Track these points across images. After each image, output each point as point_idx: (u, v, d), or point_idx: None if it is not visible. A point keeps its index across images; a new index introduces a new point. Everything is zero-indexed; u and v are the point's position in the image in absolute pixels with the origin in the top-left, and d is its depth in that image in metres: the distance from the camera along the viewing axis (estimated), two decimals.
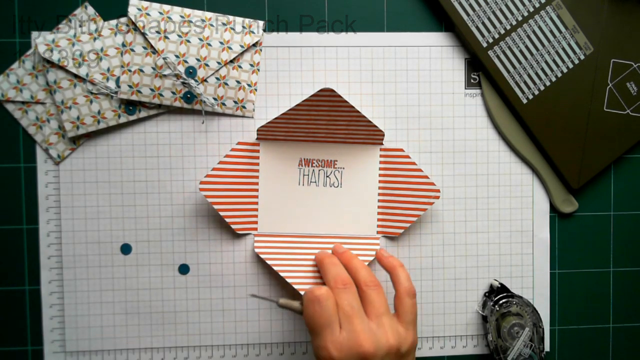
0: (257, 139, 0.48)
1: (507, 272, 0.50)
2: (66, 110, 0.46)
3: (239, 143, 0.47)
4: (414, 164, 0.48)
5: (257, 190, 0.48)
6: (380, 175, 0.49)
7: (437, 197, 0.47)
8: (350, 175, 0.49)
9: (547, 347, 0.51)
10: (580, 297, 0.51)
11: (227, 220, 0.47)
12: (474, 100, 0.50)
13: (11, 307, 0.48)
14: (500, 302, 0.47)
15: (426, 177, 0.47)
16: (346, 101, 0.44)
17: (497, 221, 0.50)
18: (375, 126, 0.47)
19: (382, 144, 0.49)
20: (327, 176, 0.48)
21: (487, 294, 0.50)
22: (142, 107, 0.47)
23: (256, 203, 0.48)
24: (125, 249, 0.48)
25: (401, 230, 0.48)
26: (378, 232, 0.49)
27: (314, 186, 0.48)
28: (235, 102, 0.47)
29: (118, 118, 0.47)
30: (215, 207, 0.46)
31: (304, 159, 0.48)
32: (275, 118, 0.46)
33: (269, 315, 0.49)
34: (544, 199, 0.50)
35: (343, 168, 0.48)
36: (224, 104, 0.47)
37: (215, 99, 0.47)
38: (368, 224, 0.49)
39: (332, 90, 0.44)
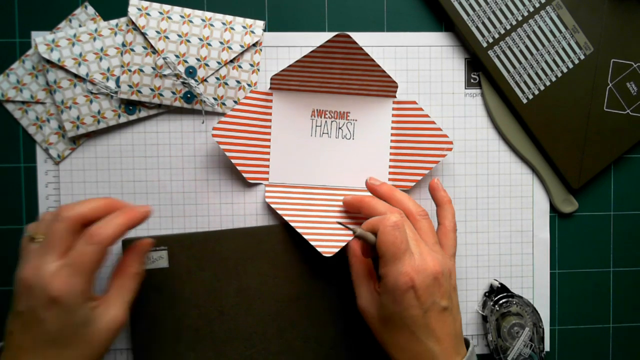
0: (270, 88, 0.47)
1: (507, 272, 0.50)
2: (66, 110, 0.46)
3: (252, 92, 0.47)
4: (426, 116, 0.47)
5: (269, 140, 0.48)
6: (392, 128, 0.48)
7: (450, 150, 0.46)
8: (362, 128, 0.48)
9: (547, 347, 0.51)
10: (580, 297, 0.51)
11: (239, 168, 0.47)
12: (474, 100, 0.50)
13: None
14: (500, 302, 0.47)
15: (439, 129, 0.47)
16: (361, 48, 0.44)
17: (497, 221, 0.50)
18: (390, 77, 0.46)
19: (395, 96, 0.48)
20: (339, 128, 0.48)
21: (487, 294, 0.50)
22: (142, 107, 0.47)
23: (268, 153, 0.48)
24: None
25: (412, 184, 0.48)
26: None
27: (326, 137, 0.48)
28: (235, 102, 0.47)
29: (118, 118, 0.47)
30: (227, 154, 0.46)
31: (317, 110, 0.48)
32: (289, 66, 0.45)
33: None
34: (544, 199, 0.50)
35: (356, 120, 0.48)
36: (224, 104, 0.47)
37: (215, 99, 0.47)
38: (379, 177, 0.48)
39: (348, 36, 0.43)
